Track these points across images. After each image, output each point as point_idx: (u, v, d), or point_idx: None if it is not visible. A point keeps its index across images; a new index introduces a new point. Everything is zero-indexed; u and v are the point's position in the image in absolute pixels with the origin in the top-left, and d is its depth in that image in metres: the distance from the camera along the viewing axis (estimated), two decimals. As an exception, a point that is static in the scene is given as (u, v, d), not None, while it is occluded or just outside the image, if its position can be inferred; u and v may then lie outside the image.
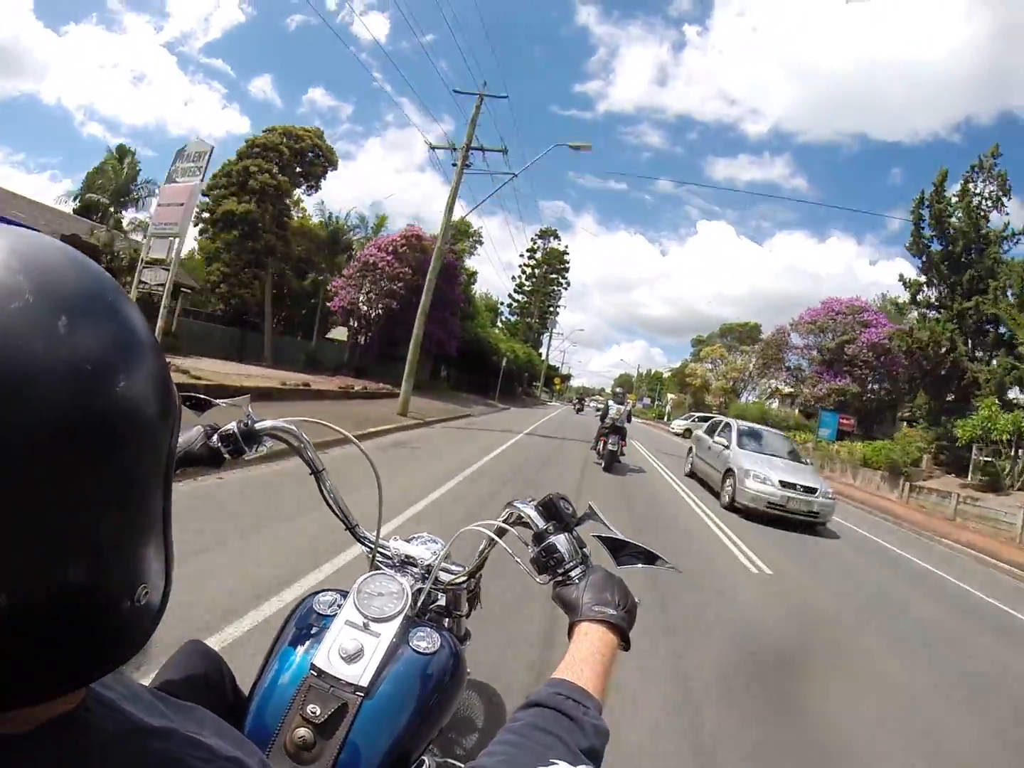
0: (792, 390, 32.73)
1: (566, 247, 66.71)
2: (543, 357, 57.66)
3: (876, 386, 26.76)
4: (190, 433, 0.91)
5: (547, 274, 63.01)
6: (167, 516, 0.38)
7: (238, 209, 21.80)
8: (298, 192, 25.42)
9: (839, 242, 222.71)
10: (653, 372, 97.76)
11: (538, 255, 63.27)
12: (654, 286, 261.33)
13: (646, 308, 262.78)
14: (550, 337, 58.50)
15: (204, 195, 21.90)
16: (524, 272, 63.34)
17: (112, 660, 0.35)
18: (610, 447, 10.27)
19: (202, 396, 0.92)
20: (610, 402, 11.27)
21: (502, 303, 58.75)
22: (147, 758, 0.35)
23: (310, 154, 24.44)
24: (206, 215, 22.73)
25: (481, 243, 40.48)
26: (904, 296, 25.04)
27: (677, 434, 31.43)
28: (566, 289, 65.62)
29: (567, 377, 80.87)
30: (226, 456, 0.93)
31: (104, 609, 0.33)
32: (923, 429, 20.71)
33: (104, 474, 0.31)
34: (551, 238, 64.98)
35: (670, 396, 69.02)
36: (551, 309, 61.94)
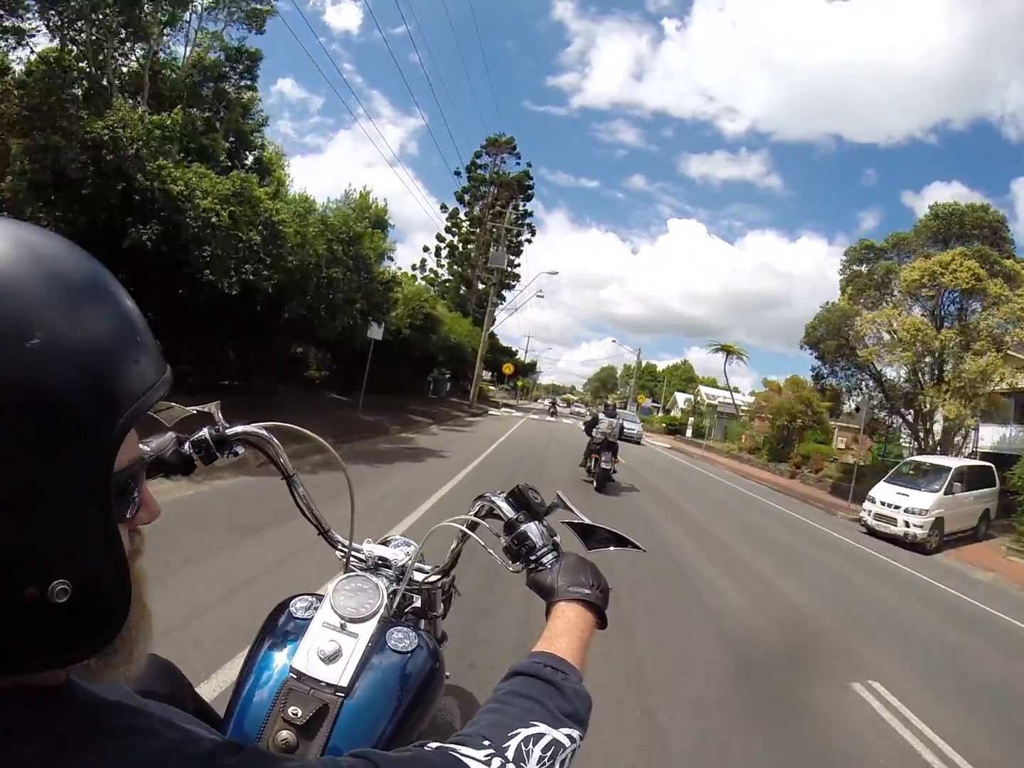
0: None
1: (528, 165, 40.49)
2: (488, 332, 32.59)
3: None
4: (161, 440, 0.90)
5: (497, 203, 38.70)
6: (107, 508, 0.37)
7: None
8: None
9: (810, 242, 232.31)
10: (645, 365, 71.14)
11: (485, 173, 39.58)
12: (625, 284, 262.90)
13: (616, 306, 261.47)
14: (491, 298, 29.97)
15: None
16: (462, 199, 39.32)
17: (30, 660, 0.35)
18: (603, 465, 9.33)
19: (172, 404, 0.91)
20: (600, 414, 10.15)
21: (427, 249, 38.47)
22: (124, 728, 0.37)
23: None
24: None
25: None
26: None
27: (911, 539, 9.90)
28: (530, 240, 39.39)
29: (529, 368, 51.78)
30: (197, 463, 0.93)
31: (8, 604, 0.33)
32: None
33: (24, 459, 0.31)
34: (506, 153, 39.65)
35: (681, 395, 50.00)
36: (505, 266, 34.90)
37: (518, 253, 38.98)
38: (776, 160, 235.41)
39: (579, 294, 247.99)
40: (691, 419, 41.32)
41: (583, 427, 10.52)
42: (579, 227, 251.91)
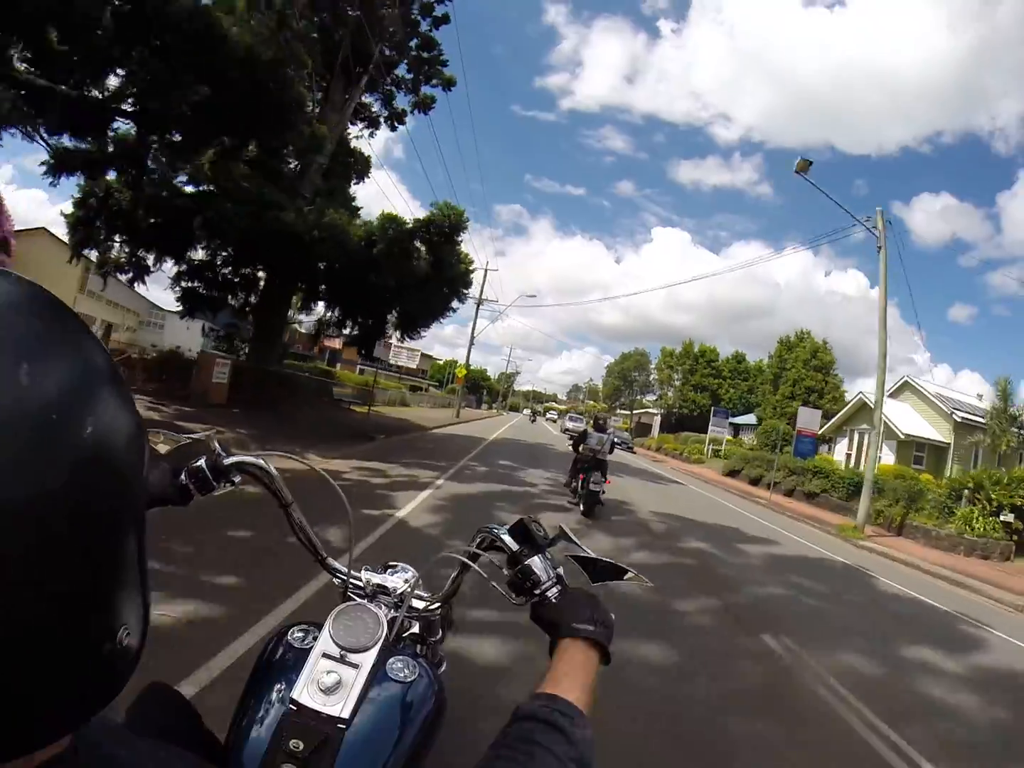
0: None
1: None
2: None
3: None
4: (156, 471, 0.88)
5: None
6: (143, 554, 0.37)
7: None
8: None
9: (795, 253, 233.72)
10: (699, 348, 48.42)
11: None
12: (608, 292, 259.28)
13: (599, 315, 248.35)
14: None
15: None
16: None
17: (96, 704, 0.34)
18: (592, 486, 8.07)
19: (169, 432, 0.89)
20: (589, 429, 9.05)
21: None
22: None
23: None
24: None
25: None
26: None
27: None
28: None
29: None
30: (194, 493, 0.91)
31: (87, 654, 0.33)
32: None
33: (79, 524, 0.31)
34: None
35: (893, 404, 19.55)
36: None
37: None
38: (768, 168, 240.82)
39: (562, 302, 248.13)
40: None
41: (569, 443, 9.53)
42: (564, 235, 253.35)
